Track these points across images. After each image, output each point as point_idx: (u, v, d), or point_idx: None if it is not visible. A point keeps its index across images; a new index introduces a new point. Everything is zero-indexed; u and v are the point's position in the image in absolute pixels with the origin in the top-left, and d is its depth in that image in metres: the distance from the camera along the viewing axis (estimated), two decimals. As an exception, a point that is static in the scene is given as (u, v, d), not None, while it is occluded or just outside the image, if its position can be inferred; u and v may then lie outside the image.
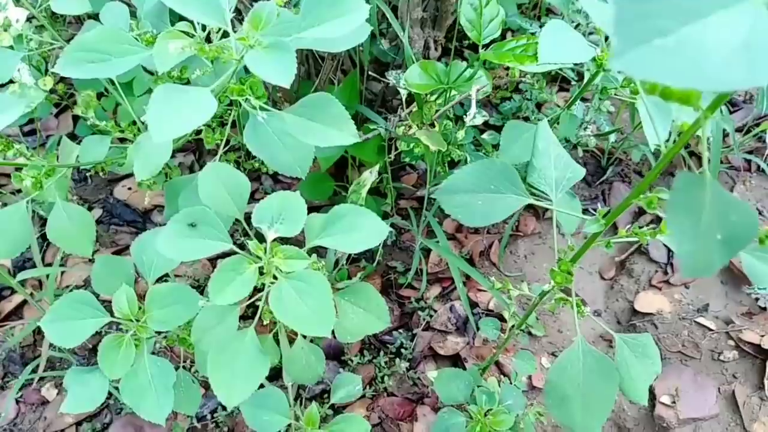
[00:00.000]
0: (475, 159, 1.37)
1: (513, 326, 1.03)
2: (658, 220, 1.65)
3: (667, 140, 0.62)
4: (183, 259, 0.72)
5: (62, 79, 1.73)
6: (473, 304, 1.45)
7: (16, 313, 1.50)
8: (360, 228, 0.78)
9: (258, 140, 0.83)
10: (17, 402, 1.36)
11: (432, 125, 1.14)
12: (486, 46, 1.06)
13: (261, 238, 0.80)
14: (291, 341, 0.98)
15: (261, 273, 0.77)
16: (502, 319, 1.45)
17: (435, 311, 1.44)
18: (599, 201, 1.71)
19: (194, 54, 0.85)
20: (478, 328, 1.40)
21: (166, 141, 0.75)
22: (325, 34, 0.71)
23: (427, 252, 1.53)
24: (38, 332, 1.42)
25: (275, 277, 0.76)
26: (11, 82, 1.11)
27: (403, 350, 1.40)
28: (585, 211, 1.18)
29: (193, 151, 1.77)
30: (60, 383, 1.37)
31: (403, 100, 1.27)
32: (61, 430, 1.33)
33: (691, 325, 1.43)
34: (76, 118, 1.80)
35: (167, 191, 0.98)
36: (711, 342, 1.40)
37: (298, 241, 0.82)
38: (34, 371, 1.39)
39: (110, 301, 0.91)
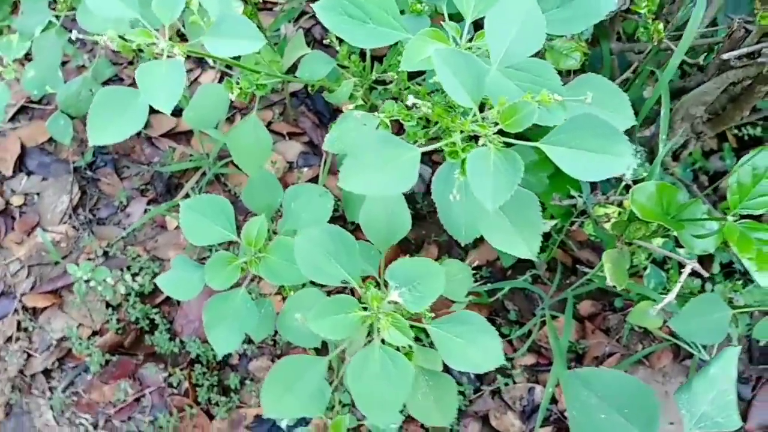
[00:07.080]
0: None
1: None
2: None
3: None
4: (323, 282, 0.71)
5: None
6: (554, 400, 1.36)
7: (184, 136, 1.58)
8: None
9: (440, 187, 0.76)
10: (145, 212, 1.49)
11: (629, 244, 1.00)
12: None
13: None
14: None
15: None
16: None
17: (514, 382, 1.37)
18: None
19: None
20: (542, 425, 1.32)
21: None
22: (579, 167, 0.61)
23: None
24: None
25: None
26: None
27: (461, 394, 1.35)
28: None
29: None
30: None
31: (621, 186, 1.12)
32: (160, 258, 1.45)
33: None
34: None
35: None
36: None
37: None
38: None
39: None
